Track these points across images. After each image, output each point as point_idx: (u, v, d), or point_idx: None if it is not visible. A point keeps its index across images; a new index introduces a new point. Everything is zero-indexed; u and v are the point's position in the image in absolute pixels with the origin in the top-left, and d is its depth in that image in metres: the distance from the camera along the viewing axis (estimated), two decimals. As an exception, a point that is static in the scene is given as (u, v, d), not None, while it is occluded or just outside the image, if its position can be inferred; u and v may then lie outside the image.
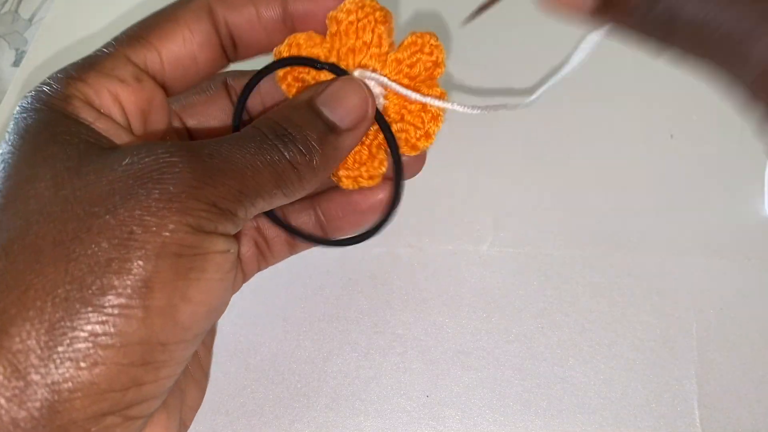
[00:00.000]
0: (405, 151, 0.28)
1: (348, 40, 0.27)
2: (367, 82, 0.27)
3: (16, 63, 0.49)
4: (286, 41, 0.27)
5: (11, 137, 0.23)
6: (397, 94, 0.28)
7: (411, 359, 0.34)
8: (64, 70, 0.25)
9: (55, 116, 0.23)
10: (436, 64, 0.28)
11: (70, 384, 0.19)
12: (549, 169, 0.39)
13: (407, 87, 0.27)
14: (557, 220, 0.37)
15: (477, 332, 0.35)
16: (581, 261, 0.36)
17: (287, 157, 0.24)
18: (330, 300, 0.36)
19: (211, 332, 0.30)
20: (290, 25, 0.28)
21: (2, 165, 0.22)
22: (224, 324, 0.36)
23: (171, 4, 0.27)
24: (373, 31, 0.27)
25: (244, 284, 0.31)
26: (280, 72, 0.28)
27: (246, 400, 0.34)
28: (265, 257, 0.32)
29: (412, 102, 0.28)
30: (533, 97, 0.27)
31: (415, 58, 0.27)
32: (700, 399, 0.32)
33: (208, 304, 0.22)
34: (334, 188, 0.30)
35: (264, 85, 0.29)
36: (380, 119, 0.28)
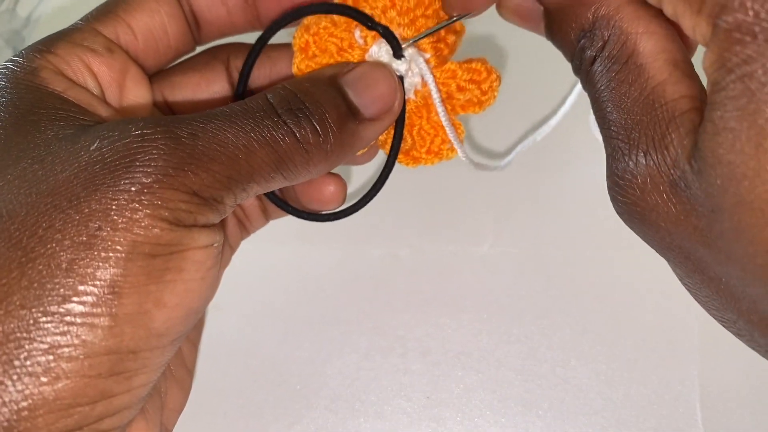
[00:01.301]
0: (400, 159, 0.27)
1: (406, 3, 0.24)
2: (414, 66, 0.25)
3: (14, 61, 0.49)
4: None
5: None
6: (426, 98, 0.26)
7: (411, 360, 0.34)
8: (31, 45, 0.23)
9: (21, 92, 0.21)
10: (479, 104, 0.26)
11: (29, 401, 0.17)
12: (549, 169, 0.39)
13: (445, 102, 0.25)
14: (557, 220, 0.37)
15: (478, 333, 0.35)
16: (582, 261, 0.36)
17: (297, 135, 0.21)
18: (330, 301, 0.36)
19: (198, 326, 0.28)
20: (252, 3, 0.25)
21: None
22: (224, 325, 0.36)
23: None
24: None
25: (241, 284, 0.31)
26: (303, 35, 0.25)
27: (246, 402, 0.34)
28: (245, 227, 0.29)
29: (432, 114, 0.26)
30: (508, 158, 0.29)
31: (469, 87, 0.25)
32: (703, 400, 0.32)
33: (186, 307, 0.20)
34: None
35: (275, 63, 0.26)
36: (401, 116, 0.25)
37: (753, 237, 0.16)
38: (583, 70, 0.21)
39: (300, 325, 0.35)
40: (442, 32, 0.25)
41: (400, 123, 0.26)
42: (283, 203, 0.28)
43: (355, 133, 0.23)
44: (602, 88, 0.20)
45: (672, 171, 0.18)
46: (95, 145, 0.19)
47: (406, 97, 0.26)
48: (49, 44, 0.23)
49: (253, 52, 0.25)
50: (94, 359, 0.18)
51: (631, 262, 0.36)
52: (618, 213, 0.20)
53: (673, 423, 0.32)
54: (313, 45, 0.25)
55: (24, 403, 0.17)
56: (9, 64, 0.22)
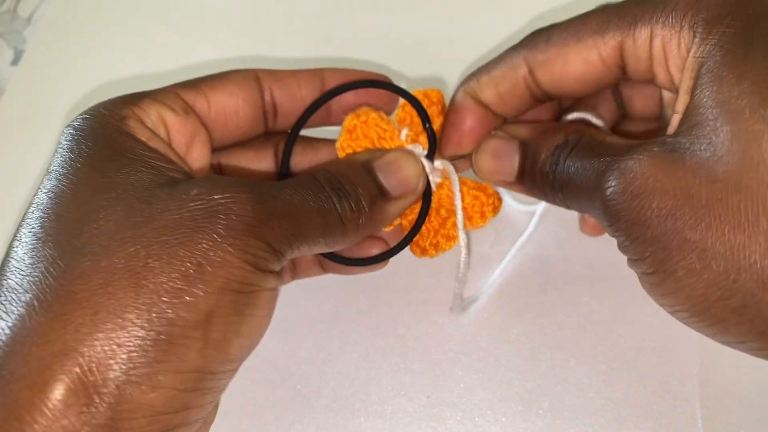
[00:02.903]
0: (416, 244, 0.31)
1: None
2: (441, 167, 0.30)
3: (15, 62, 0.49)
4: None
5: (69, 156, 0.24)
6: (440, 199, 0.31)
7: (411, 360, 0.34)
8: (117, 97, 0.26)
9: (113, 134, 0.24)
10: (482, 218, 0.31)
11: (131, 405, 0.20)
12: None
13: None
14: (557, 220, 0.37)
15: (478, 333, 0.35)
16: (582, 261, 0.36)
17: (338, 209, 0.25)
18: (330, 300, 0.36)
19: None
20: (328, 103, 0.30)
21: (66, 185, 0.23)
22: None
23: (225, 71, 0.29)
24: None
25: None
26: (353, 120, 0.29)
27: (246, 402, 0.34)
28: (297, 274, 0.33)
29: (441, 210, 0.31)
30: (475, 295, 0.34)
31: (475, 204, 0.31)
32: (702, 399, 0.32)
33: (254, 339, 0.24)
34: None
35: (317, 151, 0.31)
36: (428, 192, 0.30)
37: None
38: (558, 170, 0.26)
39: (300, 324, 0.36)
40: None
41: (426, 202, 0.30)
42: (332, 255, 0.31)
43: (384, 209, 0.27)
44: (579, 162, 0.25)
45: (666, 143, 0.22)
46: (194, 191, 0.22)
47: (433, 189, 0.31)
48: (134, 97, 0.26)
49: (297, 125, 0.30)
50: (185, 375, 0.21)
51: (631, 262, 0.36)
52: (613, 217, 0.24)
53: (672, 422, 0.32)
54: (359, 128, 0.29)
55: (126, 406, 0.20)
56: (100, 109, 0.25)
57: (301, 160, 0.31)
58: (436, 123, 0.30)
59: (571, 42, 0.26)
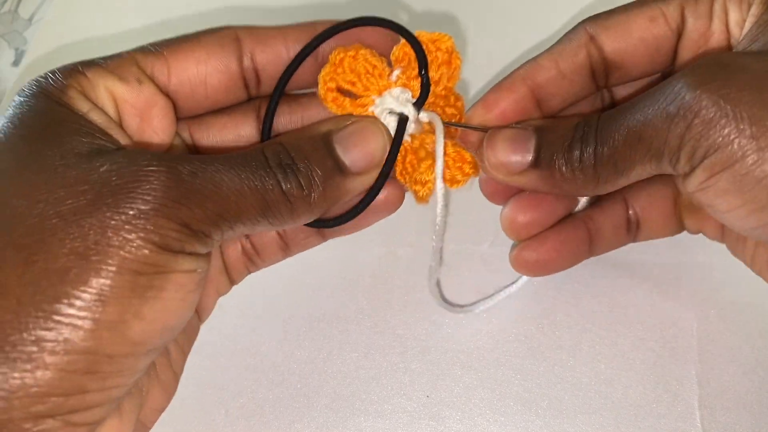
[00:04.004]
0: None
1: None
2: (426, 119, 0.28)
3: (16, 62, 0.49)
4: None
5: (6, 124, 0.23)
6: (422, 143, 0.28)
7: (411, 359, 0.34)
8: (70, 64, 0.25)
9: (50, 104, 0.23)
10: (462, 173, 0.28)
11: (9, 384, 0.19)
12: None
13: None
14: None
15: (477, 332, 0.35)
16: (582, 261, 0.36)
17: (283, 187, 0.23)
18: (330, 300, 0.36)
19: (190, 334, 0.29)
20: (321, 62, 0.27)
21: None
22: (224, 324, 0.36)
23: (202, 30, 0.27)
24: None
25: (241, 284, 0.31)
26: (340, 52, 0.26)
27: (246, 401, 0.34)
28: (254, 261, 0.31)
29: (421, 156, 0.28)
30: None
31: (456, 158, 0.28)
32: (701, 399, 0.32)
33: (163, 322, 0.22)
34: None
35: (306, 109, 0.28)
36: (399, 133, 0.27)
37: None
38: (588, 148, 0.25)
39: (300, 324, 0.36)
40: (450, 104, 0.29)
41: (396, 142, 0.27)
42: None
43: (341, 185, 0.25)
44: (621, 125, 0.24)
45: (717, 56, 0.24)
46: (105, 167, 0.21)
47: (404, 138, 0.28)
48: (83, 66, 0.25)
49: (279, 85, 0.27)
50: (73, 356, 0.20)
51: (631, 262, 0.36)
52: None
53: (671, 422, 0.32)
54: (346, 62, 0.26)
55: (4, 385, 0.19)
56: (42, 79, 0.24)
57: (290, 120, 0.28)
58: (437, 73, 0.27)
59: (634, 5, 0.27)
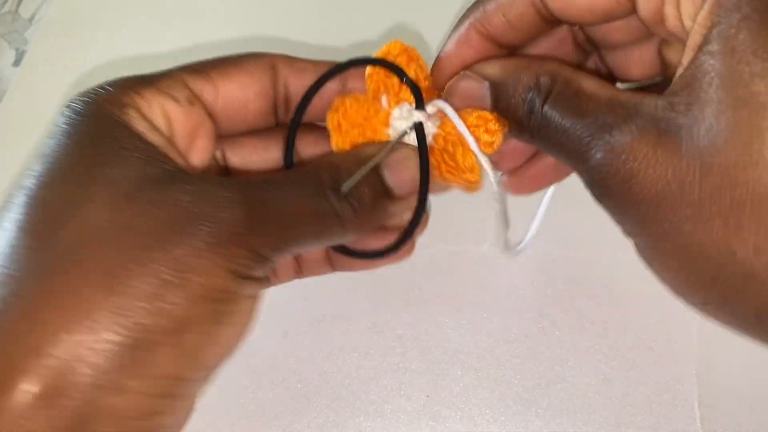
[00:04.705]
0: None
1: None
2: (434, 110, 0.28)
3: (17, 62, 0.49)
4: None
5: (63, 140, 0.23)
6: (446, 140, 0.28)
7: (411, 359, 0.34)
8: (120, 80, 0.25)
9: (110, 123, 0.23)
10: (489, 144, 0.28)
11: (97, 409, 0.20)
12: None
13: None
14: (557, 220, 0.37)
15: (477, 332, 0.35)
16: (581, 261, 0.36)
17: (338, 210, 0.24)
18: (330, 300, 0.36)
19: None
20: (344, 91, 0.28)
21: (55, 171, 0.22)
22: (224, 324, 0.36)
23: (240, 53, 0.28)
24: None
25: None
26: (333, 117, 0.28)
27: (246, 401, 0.34)
28: (269, 280, 0.31)
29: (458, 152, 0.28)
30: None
31: (479, 123, 0.27)
32: (701, 398, 0.32)
33: (231, 347, 0.23)
34: None
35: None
36: (422, 143, 0.27)
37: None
38: (534, 118, 0.24)
39: (300, 323, 0.36)
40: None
41: (424, 158, 0.28)
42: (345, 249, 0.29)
43: (386, 209, 0.26)
44: (559, 118, 0.23)
45: (660, 118, 0.21)
46: (181, 194, 0.22)
47: (428, 145, 0.28)
48: (137, 83, 0.25)
49: (296, 116, 0.28)
50: (155, 381, 0.20)
51: (630, 262, 0.36)
52: (599, 193, 0.23)
53: (671, 422, 0.32)
54: (343, 122, 0.28)
55: (92, 409, 0.19)
56: (101, 92, 0.24)
57: (315, 150, 0.29)
58: (413, 73, 0.28)
59: None
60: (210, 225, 0.21)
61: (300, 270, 0.31)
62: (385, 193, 0.26)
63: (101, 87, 0.24)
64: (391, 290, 0.36)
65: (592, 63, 0.30)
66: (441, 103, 0.28)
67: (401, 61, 0.28)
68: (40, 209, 0.21)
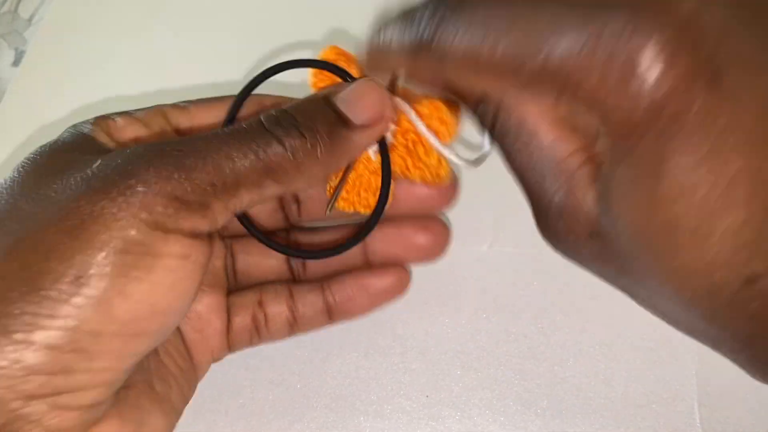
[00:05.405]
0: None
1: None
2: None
3: (16, 63, 0.49)
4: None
5: (28, 161, 0.25)
6: (406, 136, 0.28)
7: (411, 359, 0.34)
8: (106, 113, 0.27)
9: (73, 136, 0.25)
10: (445, 135, 0.27)
11: (3, 362, 0.20)
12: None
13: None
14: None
15: (477, 332, 0.35)
16: (581, 261, 0.36)
17: (284, 143, 0.23)
18: (330, 300, 0.36)
19: (190, 379, 0.30)
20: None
21: (22, 173, 0.24)
22: (224, 324, 0.36)
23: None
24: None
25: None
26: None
27: (245, 401, 0.34)
28: (259, 334, 0.31)
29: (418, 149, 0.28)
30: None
31: (432, 120, 0.27)
32: (701, 399, 0.32)
33: (150, 304, 0.22)
34: (346, 272, 0.31)
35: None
36: (382, 143, 0.27)
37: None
38: (487, 131, 0.23)
39: (300, 324, 0.36)
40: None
41: (384, 154, 0.27)
42: (283, 247, 0.30)
43: (348, 138, 0.25)
44: (508, 149, 0.23)
45: (587, 224, 0.20)
46: (97, 162, 0.22)
47: (389, 143, 0.28)
48: (115, 114, 0.27)
49: (240, 97, 0.28)
50: (56, 332, 0.20)
51: (630, 262, 0.36)
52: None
53: (671, 422, 0.32)
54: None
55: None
56: (79, 122, 0.26)
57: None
58: (354, 71, 0.28)
59: None
60: (120, 179, 0.21)
61: (295, 323, 0.31)
62: (342, 123, 0.25)
63: (83, 121, 0.26)
64: (390, 290, 0.36)
65: None
66: (398, 101, 0.27)
67: (341, 65, 0.28)
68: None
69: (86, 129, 0.26)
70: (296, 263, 0.33)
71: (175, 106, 0.28)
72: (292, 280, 0.32)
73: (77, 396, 0.21)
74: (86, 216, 0.21)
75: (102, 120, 0.26)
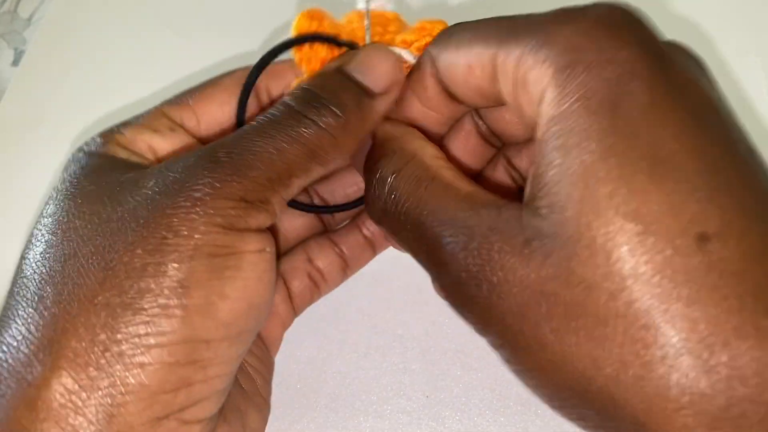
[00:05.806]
0: None
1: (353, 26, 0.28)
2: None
3: (15, 62, 0.49)
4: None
5: (59, 186, 0.24)
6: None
7: (411, 359, 0.34)
8: (107, 128, 0.26)
9: (92, 158, 0.25)
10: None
11: (120, 387, 0.20)
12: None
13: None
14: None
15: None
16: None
17: (320, 123, 0.24)
18: (330, 300, 0.36)
19: (268, 365, 0.30)
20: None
21: (51, 207, 0.24)
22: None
23: (215, 76, 0.28)
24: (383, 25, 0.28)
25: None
26: (298, 55, 0.27)
27: (246, 401, 0.34)
28: (319, 288, 0.32)
29: None
30: None
31: (423, 42, 0.27)
32: (701, 399, 0.32)
33: (247, 300, 0.22)
34: (351, 224, 0.32)
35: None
36: None
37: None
38: (387, 197, 0.24)
39: (299, 324, 0.36)
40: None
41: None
42: (305, 205, 0.30)
43: (372, 107, 0.25)
44: (407, 216, 0.24)
45: (525, 225, 0.20)
46: (152, 182, 0.22)
47: None
48: (120, 126, 0.27)
49: (245, 91, 0.27)
50: (171, 347, 0.20)
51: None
52: (458, 303, 0.23)
53: (671, 422, 0.32)
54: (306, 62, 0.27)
55: (115, 389, 0.20)
56: (86, 141, 0.26)
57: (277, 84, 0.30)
58: (326, 28, 0.27)
59: (464, 44, 0.24)
60: (184, 192, 0.21)
61: (347, 266, 0.32)
62: (364, 93, 0.25)
63: (82, 144, 0.26)
64: (390, 290, 0.36)
65: (502, 168, 0.29)
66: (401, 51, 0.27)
67: (316, 28, 0.27)
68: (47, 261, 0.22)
69: (98, 148, 0.25)
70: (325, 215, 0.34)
71: (172, 103, 0.27)
72: (325, 231, 0.33)
73: (199, 409, 0.22)
74: (165, 232, 0.21)
75: (108, 134, 0.26)
